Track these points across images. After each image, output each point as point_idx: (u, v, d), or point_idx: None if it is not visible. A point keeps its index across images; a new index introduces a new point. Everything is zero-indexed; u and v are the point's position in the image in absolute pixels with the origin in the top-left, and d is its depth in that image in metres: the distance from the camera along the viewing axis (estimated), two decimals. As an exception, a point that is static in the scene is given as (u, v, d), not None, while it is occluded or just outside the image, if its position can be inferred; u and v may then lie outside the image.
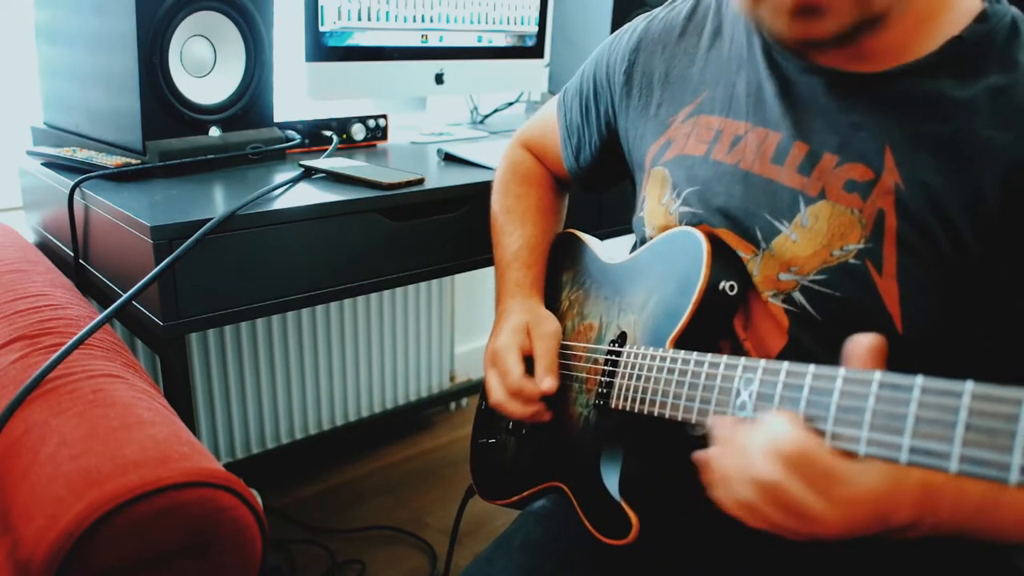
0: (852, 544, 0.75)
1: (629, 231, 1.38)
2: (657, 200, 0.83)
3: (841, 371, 0.53)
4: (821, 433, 0.54)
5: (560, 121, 1.03)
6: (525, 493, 0.93)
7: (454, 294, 2.12)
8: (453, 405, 2.25)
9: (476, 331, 2.25)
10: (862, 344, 0.55)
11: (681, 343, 0.74)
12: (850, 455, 0.53)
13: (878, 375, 0.50)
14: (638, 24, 0.92)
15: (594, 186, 1.06)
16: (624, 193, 1.14)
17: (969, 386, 0.44)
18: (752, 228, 0.74)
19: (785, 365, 0.58)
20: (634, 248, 0.92)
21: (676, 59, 0.85)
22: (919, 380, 0.47)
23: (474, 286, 2.18)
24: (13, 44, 1.37)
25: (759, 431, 0.56)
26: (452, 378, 2.19)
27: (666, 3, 0.91)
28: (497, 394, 0.89)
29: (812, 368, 0.55)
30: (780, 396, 0.57)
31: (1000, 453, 0.43)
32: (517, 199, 1.04)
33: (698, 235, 0.75)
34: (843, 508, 0.53)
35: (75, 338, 0.79)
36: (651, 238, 0.84)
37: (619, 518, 0.76)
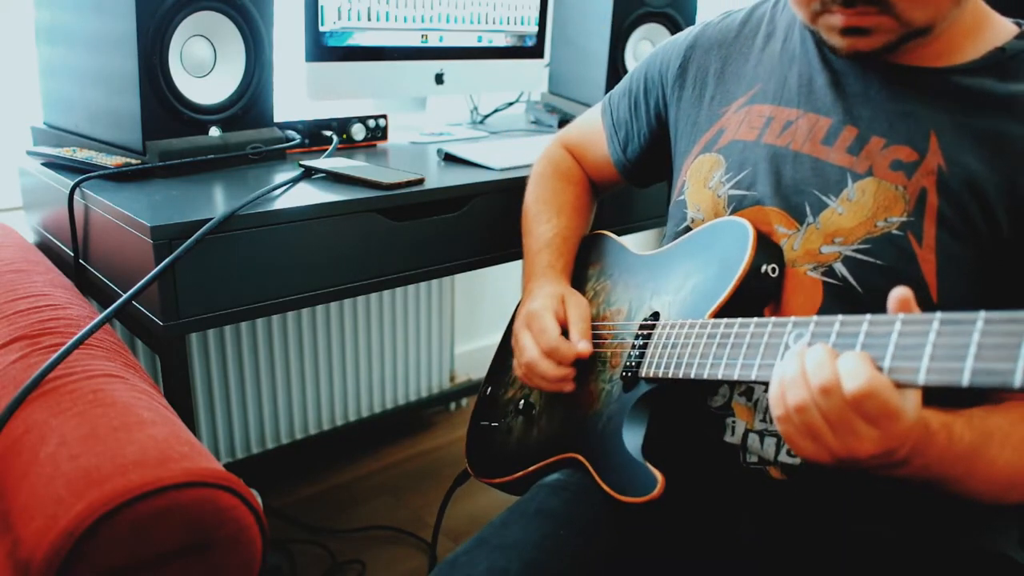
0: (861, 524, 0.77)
1: (642, 229, 1.40)
2: (703, 184, 0.87)
3: (900, 315, 0.55)
4: (880, 368, 0.55)
5: (606, 120, 1.07)
6: (531, 468, 0.93)
7: (454, 294, 2.12)
8: (453, 405, 2.25)
9: (476, 331, 2.24)
10: (892, 296, 0.56)
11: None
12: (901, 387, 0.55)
13: (939, 314, 0.52)
14: (692, 29, 0.98)
15: (638, 178, 1.09)
16: (638, 194, 1.14)
17: None
18: (801, 204, 0.78)
19: (840, 317, 0.59)
20: (665, 239, 0.94)
21: (731, 57, 0.92)
22: (982, 313, 0.50)
23: (474, 286, 2.18)
24: (13, 44, 1.37)
25: (829, 364, 0.57)
26: (452, 378, 2.19)
27: (721, 13, 0.97)
28: (531, 352, 0.90)
29: (868, 317, 0.57)
30: (834, 344, 0.58)
31: None
32: (555, 193, 1.08)
33: (744, 222, 0.79)
34: (888, 435, 0.56)
35: (75, 338, 0.79)
36: (693, 221, 0.87)
37: (642, 478, 0.77)
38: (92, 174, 1.06)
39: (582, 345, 0.88)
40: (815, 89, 0.82)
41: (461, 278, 2.12)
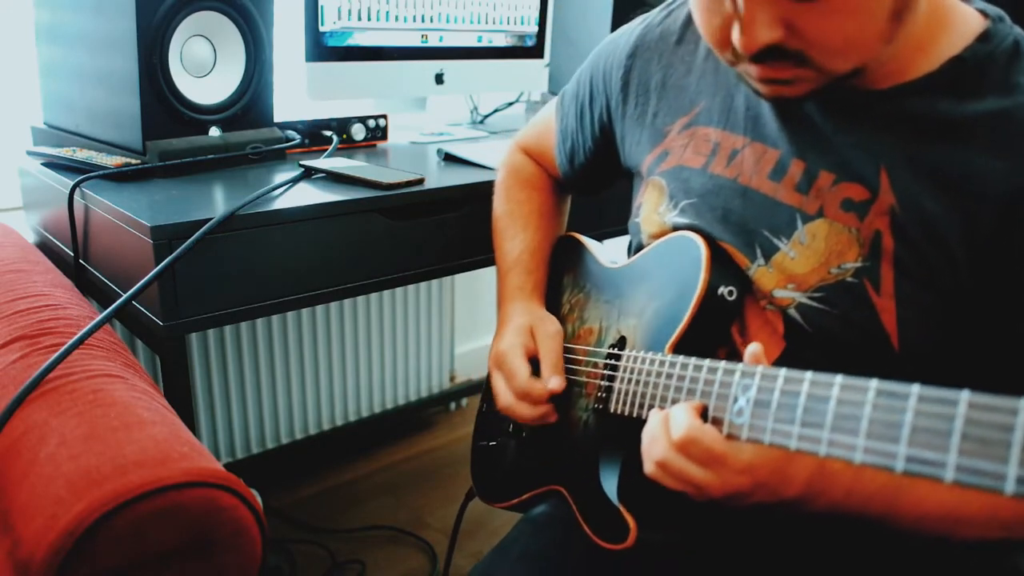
0: (851, 547, 0.76)
1: (626, 232, 1.38)
2: (653, 208, 0.83)
3: (838, 378, 0.52)
4: (817, 441, 0.52)
5: (557, 125, 1.02)
6: (524, 496, 0.92)
7: (454, 294, 2.12)
8: (453, 405, 2.25)
9: (476, 331, 2.24)
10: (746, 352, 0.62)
11: (680, 348, 0.73)
12: (733, 437, 0.60)
13: (875, 383, 0.49)
14: (635, 28, 0.90)
15: (587, 189, 1.06)
16: (622, 195, 1.14)
17: (965, 395, 0.44)
18: (751, 242, 0.73)
19: (783, 372, 0.57)
20: (630, 251, 0.91)
21: (673, 67, 0.84)
22: (915, 388, 0.47)
23: (474, 286, 2.18)
24: (13, 44, 1.37)
25: (662, 420, 0.65)
26: (452, 378, 2.19)
27: (662, 6, 0.89)
28: (505, 397, 0.88)
29: (809, 375, 0.54)
30: (777, 403, 0.56)
31: (995, 463, 0.42)
32: (519, 204, 1.04)
33: (698, 240, 0.75)
34: (723, 477, 0.62)
35: (75, 338, 0.79)
36: (646, 245, 0.84)
37: (617, 522, 0.75)
38: (92, 174, 1.06)
39: (553, 382, 0.85)
40: (762, 115, 0.74)
41: (461, 278, 2.12)
